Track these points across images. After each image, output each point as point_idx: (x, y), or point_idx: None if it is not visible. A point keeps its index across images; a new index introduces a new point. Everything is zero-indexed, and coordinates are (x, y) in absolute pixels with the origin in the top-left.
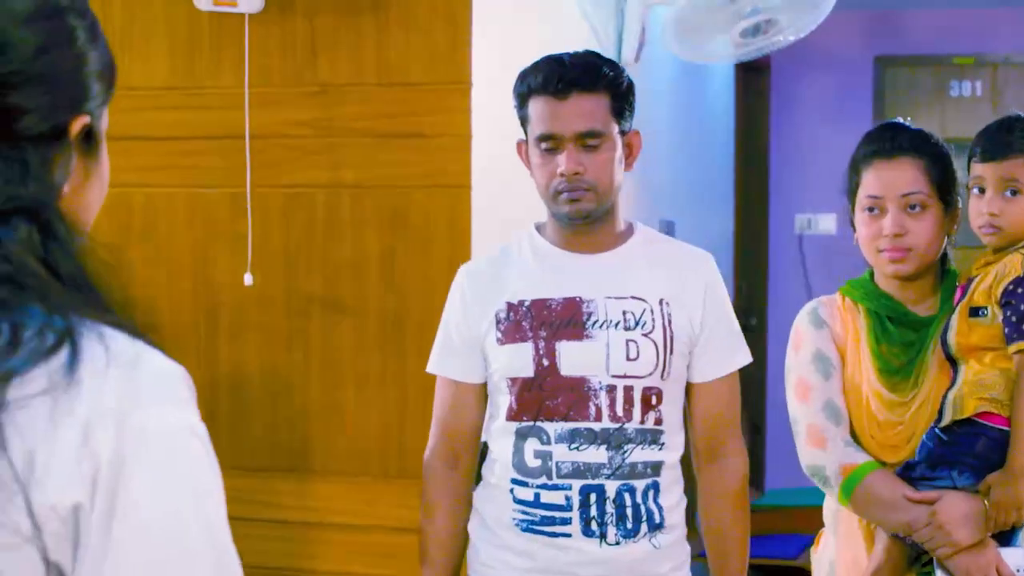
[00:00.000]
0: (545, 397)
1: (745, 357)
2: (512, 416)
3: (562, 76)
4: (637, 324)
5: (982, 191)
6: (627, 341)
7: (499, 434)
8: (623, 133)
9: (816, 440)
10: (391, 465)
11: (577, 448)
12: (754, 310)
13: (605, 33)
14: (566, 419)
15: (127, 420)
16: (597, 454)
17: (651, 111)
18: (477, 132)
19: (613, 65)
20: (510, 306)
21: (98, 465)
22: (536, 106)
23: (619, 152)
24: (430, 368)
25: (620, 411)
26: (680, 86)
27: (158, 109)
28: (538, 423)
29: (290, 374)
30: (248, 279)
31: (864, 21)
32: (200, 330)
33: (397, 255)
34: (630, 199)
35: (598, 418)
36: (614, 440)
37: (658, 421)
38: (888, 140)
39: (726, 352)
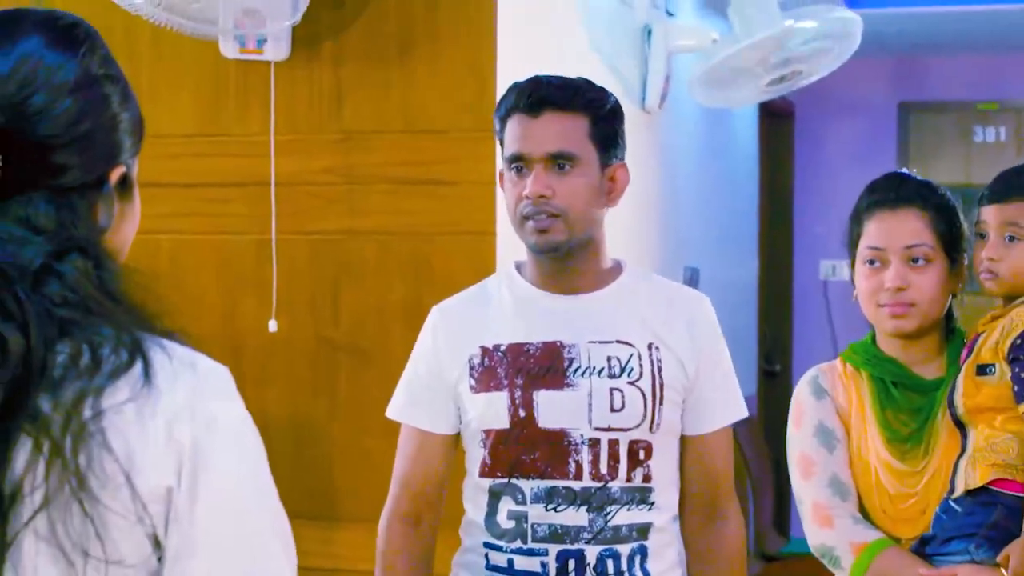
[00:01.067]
0: (521, 452)
1: (740, 411)
2: (485, 472)
3: (534, 92)
4: (623, 371)
5: (984, 236)
6: (611, 390)
7: (473, 492)
8: (606, 165)
9: (822, 519)
10: None
11: (555, 509)
12: (779, 356)
13: (629, 81)
14: (543, 476)
15: (198, 414)
16: (576, 516)
17: (675, 157)
18: None
19: (598, 89)
20: (484, 351)
21: (181, 453)
22: (510, 126)
23: (596, 181)
24: (391, 413)
25: (604, 468)
26: (704, 132)
27: (184, 156)
28: (512, 480)
29: (315, 420)
30: (273, 326)
31: (888, 67)
32: None
33: (422, 302)
34: (654, 246)
35: (578, 476)
36: (596, 501)
37: (647, 478)
38: (892, 190)
39: (723, 403)
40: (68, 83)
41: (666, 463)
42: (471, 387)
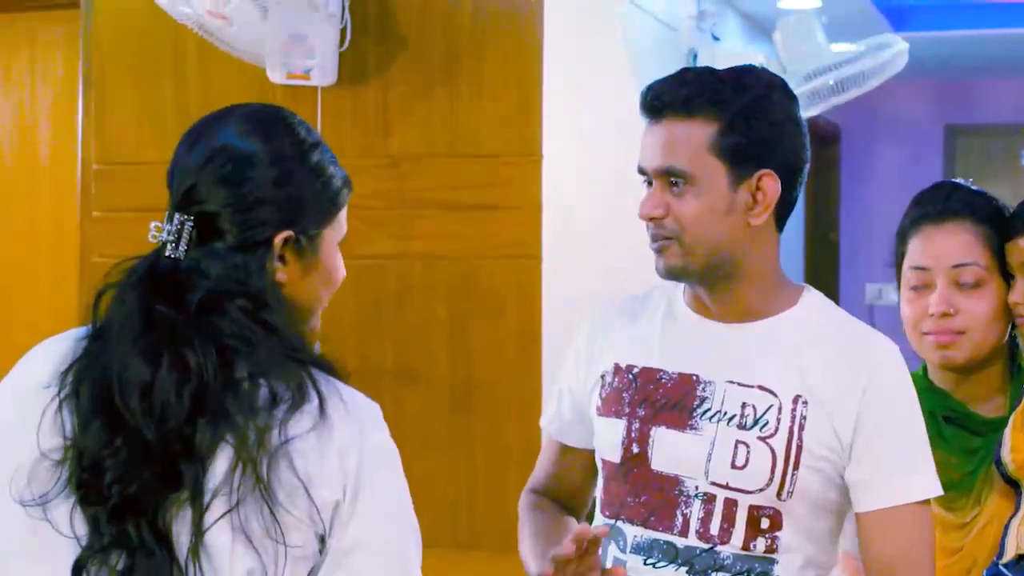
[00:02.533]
0: (627, 492)
1: (924, 489)
2: (602, 508)
3: (655, 92)
4: (756, 423)
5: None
6: (737, 442)
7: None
8: (742, 178)
9: (852, 570)
10: (462, 536)
11: (652, 564)
12: None
13: None
14: (645, 525)
15: (365, 443)
16: None
17: None
18: (547, 203)
19: (741, 84)
20: (617, 370)
21: (347, 475)
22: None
23: (723, 200)
24: (541, 420)
25: (715, 529)
26: None
27: None
28: (618, 523)
29: None
30: (316, 348)
31: (934, 90)
32: None
33: (468, 325)
34: None
35: (684, 532)
36: (699, 564)
37: (770, 549)
38: (939, 202)
39: (895, 476)
40: (214, 163)
41: (803, 537)
42: (597, 408)
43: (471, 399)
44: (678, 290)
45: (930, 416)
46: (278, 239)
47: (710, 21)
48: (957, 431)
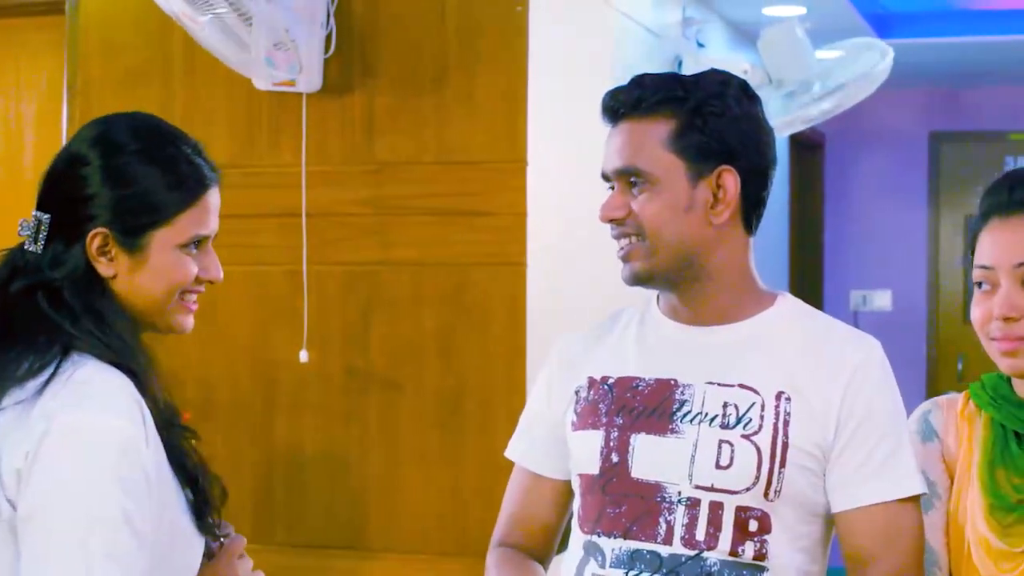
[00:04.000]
0: (607, 504)
1: (908, 485)
2: (579, 524)
3: (609, 98)
4: (739, 422)
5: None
6: (720, 442)
7: (572, 547)
8: (702, 174)
9: None
10: (449, 543)
11: None
12: None
13: None
14: (626, 536)
15: (58, 419)
16: None
17: None
18: (533, 210)
19: (695, 82)
20: (591, 382)
21: (31, 443)
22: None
23: (683, 197)
24: (507, 451)
25: (700, 534)
26: None
27: None
28: (596, 538)
29: (348, 451)
30: (303, 356)
31: (919, 97)
32: (257, 407)
33: (455, 333)
34: None
35: (668, 540)
36: (685, 572)
37: (760, 555)
38: (1005, 192)
39: (877, 474)
40: (56, 164)
41: (792, 543)
42: (572, 423)
43: (460, 405)
44: (652, 302)
45: (1000, 428)
46: (90, 236)
47: (695, 28)
48: None
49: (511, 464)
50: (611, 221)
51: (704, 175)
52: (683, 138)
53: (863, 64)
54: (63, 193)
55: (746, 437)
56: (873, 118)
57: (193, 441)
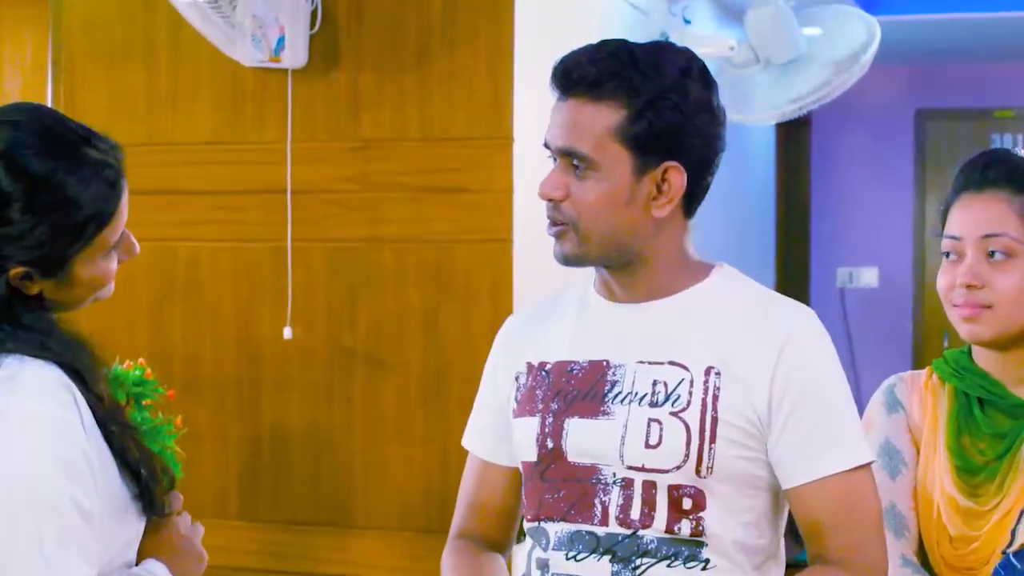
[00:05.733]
0: (546, 490)
1: (852, 456)
2: (525, 512)
3: (565, 66)
4: (667, 399)
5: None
6: (650, 421)
7: (526, 535)
8: (646, 168)
9: None
10: (433, 520)
11: (575, 558)
12: None
13: None
14: (565, 519)
15: None
16: (598, 567)
17: None
18: (519, 187)
19: (657, 68)
20: (530, 368)
21: None
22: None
23: (623, 189)
24: (463, 440)
25: (635, 514)
26: None
27: (202, 164)
28: (540, 523)
29: (332, 429)
30: (287, 332)
31: (905, 75)
32: (243, 384)
33: (439, 310)
34: None
35: (603, 521)
36: (622, 551)
37: (697, 532)
38: (978, 170)
39: (822, 446)
40: None
41: (731, 517)
42: (513, 410)
43: (444, 382)
44: (590, 280)
45: (963, 397)
46: (12, 275)
47: (681, 4)
48: (990, 414)
49: None
50: (549, 200)
51: (649, 169)
52: (632, 130)
53: (849, 42)
54: None
55: (674, 415)
56: (859, 95)
57: (174, 435)
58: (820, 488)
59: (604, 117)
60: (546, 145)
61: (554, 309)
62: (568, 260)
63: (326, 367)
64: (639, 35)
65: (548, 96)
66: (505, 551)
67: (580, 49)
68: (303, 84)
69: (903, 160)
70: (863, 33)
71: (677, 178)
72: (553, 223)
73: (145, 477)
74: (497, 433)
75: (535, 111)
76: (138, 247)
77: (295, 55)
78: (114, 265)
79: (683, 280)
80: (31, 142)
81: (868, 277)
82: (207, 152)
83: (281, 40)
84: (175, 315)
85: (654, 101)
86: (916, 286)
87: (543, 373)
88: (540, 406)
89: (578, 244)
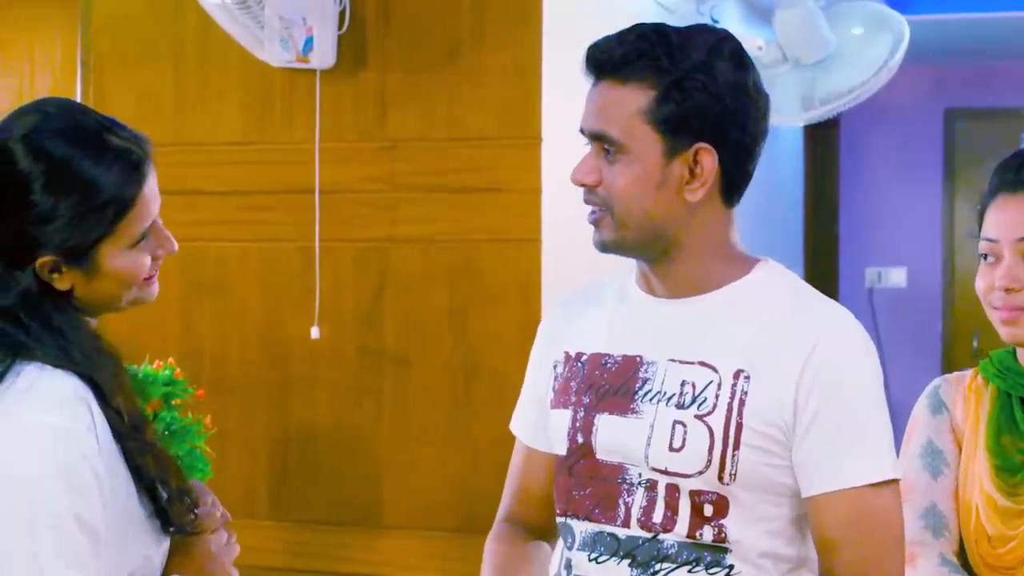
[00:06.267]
0: (573, 486)
1: (876, 468)
2: (555, 506)
3: (594, 52)
4: (694, 401)
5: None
6: (674, 423)
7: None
8: (677, 150)
9: (908, 555)
10: (462, 520)
11: (595, 560)
12: None
13: None
14: (590, 518)
15: None
16: (617, 571)
17: None
18: (547, 186)
19: (686, 47)
20: (567, 358)
21: None
22: None
23: (655, 172)
24: (510, 424)
25: (657, 517)
26: None
27: (230, 164)
28: (567, 519)
29: (360, 428)
30: (315, 332)
31: (933, 74)
32: (271, 384)
33: (467, 310)
34: None
35: (625, 523)
36: (641, 555)
37: (720, 538)
38: (1012, 170)
39: (843, 457)
40: None
41: (756, 525)
42: (550, 400)
43: (472, 382)
44: (632, 272)
45: (1005, 397)
46: (39, 264)
47: (709, 4)
48: None
49: None
50: (582, 185)
51: (680, 151)
52: (661, 111)
53: (878, 42)
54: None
55: (699, 418)
56: (887, 95)
57: (204, 435)
58: (837, 502)
59: (632, 99)
60: (581, 131)
61: (597, 297)
62: (606, 246)
63: (354, 367)
64: None
65: (576, 95)
66: (550, 538)
67: (612, 34)
68: (331, 84)
69: (932, 160)
70: (892, 33)
71: (709, 160)
72: (588, 207)
73: (162, 495)
74: (538, 419)
75: (563, 111)
76: (175, 244)
77: (323, 55)
78: (146, 260)
79: (723, 274)
80: (53, 127)
81: (897, 277)
82: (235, 152)
83: (309, 40)
84: (203, 315)
85: (680, 81)
86: (945, 286)
87: (579, 364)
88: (573, 399)
89: (615, 230)
